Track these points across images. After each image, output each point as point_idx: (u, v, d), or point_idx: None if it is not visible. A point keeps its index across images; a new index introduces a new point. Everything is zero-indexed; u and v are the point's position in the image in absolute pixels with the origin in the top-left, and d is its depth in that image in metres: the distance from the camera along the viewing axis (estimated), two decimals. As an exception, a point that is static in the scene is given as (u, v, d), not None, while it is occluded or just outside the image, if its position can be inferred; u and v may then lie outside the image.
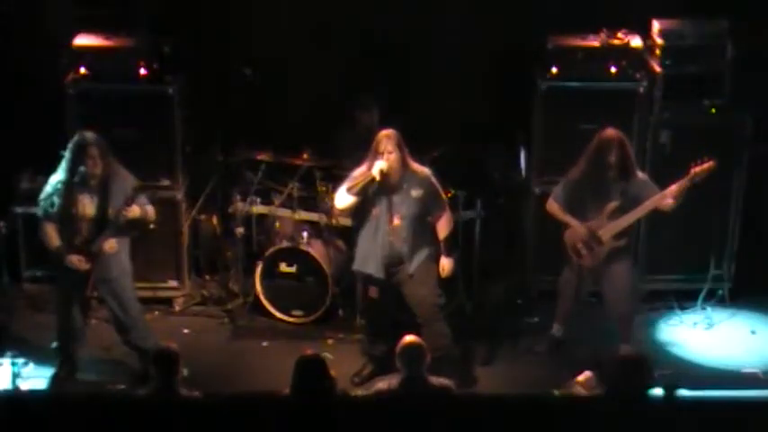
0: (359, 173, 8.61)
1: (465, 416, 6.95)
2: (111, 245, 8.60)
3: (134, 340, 8.88)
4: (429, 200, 8.68)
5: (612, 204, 8.78)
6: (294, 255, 9.69)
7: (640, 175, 8.87)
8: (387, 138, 8.54)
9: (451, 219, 8.83)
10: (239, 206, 9.78)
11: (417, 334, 7.75)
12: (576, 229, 8.88)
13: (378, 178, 8.49)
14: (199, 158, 10.07)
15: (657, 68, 9.60)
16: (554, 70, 9.58)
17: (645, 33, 9.70)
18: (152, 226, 8.90)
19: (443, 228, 8.77)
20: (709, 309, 9.83)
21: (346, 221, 9.45)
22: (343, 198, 8.69)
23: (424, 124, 9.92)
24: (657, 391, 7.25)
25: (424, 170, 8.73)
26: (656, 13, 9.72)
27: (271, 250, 9.69)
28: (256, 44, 10.24)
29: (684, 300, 9.94)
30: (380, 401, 7.25)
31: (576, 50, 9.60)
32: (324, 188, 9.69)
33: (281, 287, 9.75)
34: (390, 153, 8.50)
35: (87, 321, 8.97)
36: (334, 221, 9.64)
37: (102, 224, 8.55)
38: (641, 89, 9.55)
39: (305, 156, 9.77)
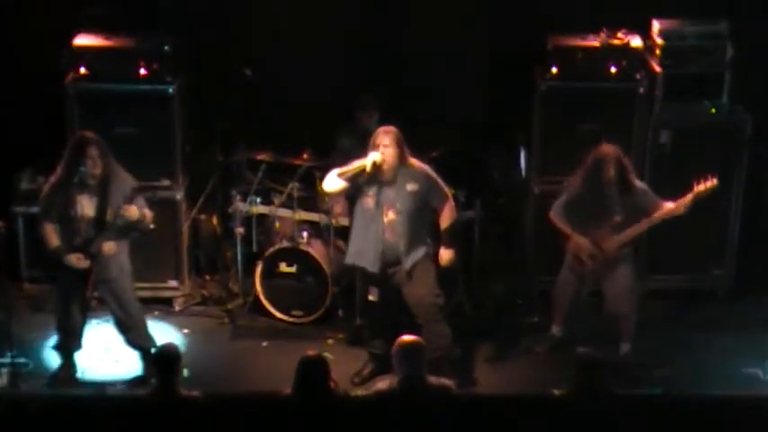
0: (354, 163, 8.62)
1: (465, 416, 6.96)
2: (110, 246, 8.60)
3: (134, 340, 8.89)
4: (428, 193, 8.66)
5: (615, 219, 8.79)
6: (294, 255, 9.68)
7: (639, 184, 8.87)
8: (384, 133, 8.56)
9: (454, 210, 8.82)
10: (239, 206, 9.77)
11: (417, 334, 7.73)
12: (580, 242, 8.89)
13: (368, 169, 8.48)
14: (199, 158, 10.07)
15: (657, 68, 9.59)
16: (554, 70, 9.58)
17: (645, 33, 9.70)
18: (152, 226, 8.89)
19: (446, 218, 8.76)
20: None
21: (346, 221, 9.45)
22: (332, 181, 8.65)
23: (424, 124, 9.92)
24: (657, 391, 7.26)
25: (422, 165, 8.73)
26: (656, 13, 9.72)
27: (271, 250, 9.69)
28: (256, 44, 10.24)
29: (684, 300, 9.94)
30: (380, 401, 7.25)
31: (575, 50, 9.60)
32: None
33: (281, 287, 9.75)
34: (387, 147, 8.51)
35: (87, 321, 8.95)
36: (334, 221, 9.64)
37: (101, 225, 8.55)
38: (641, 89, 9.55)
39: (305, 156, 9.78)
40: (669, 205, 8.77)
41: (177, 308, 9.96)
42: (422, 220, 8.75)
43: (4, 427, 6.73)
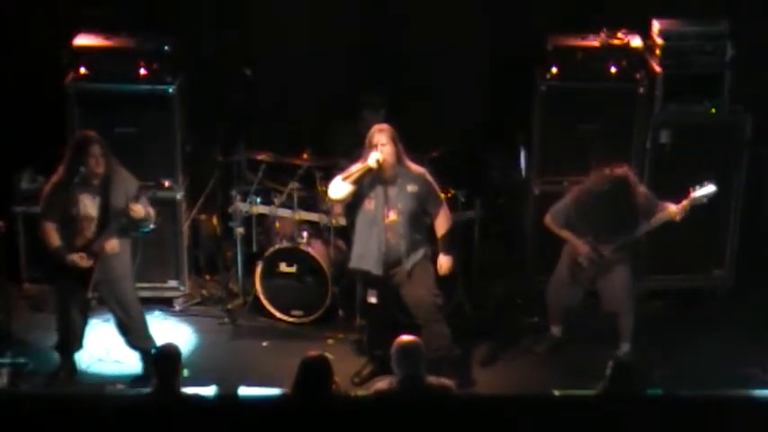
0: (355, 166, 8.62)
1: (465, 416, 6.95)
2: (112, 245, 8.60)
3: (135, 341, 8.89)
4: (425, 196, 8.67)
5: (611, 246, 8.81)
6: (294, 255, 9.68)
7: (641, 189, 8.85)
8: (380, 131, 8.56)
9: (449, 216, 8.83)
10: (239, 206, 9.77)
11: (417, 335, 7.74)
12: (577, 245, 8.89)
13: (374, 166, 8.48)
14: (199, 158, 10.07)
15: (657, 68, 9.59)
16: (554, 70, 9.58)
17: (645, 33, 9.70)
18: (152, 226, 8.89)
19: (442, 224, 8.77)
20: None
21: (345, 222, 9.45)
22: (338, 187, 8.65)
23: (424, 124, 9.93)
24: (657, 391, 7.26)
25: (419, 168, 8.74)
26: (656, 13, 9.72)
27: (271, 250, 9.69)
28: (256, 44, 10.24)
29: (684, 300, 9.94)
30: (380, 401, 7.25)
31: (575, 50, 9.60)
32: (324, 188, 9.67)
33: (281, 287, 9.75)
34: (384, 145, 8.52)
35: (87, 322, 8.95)
36: (334, 221, 9.64)
37: (103, 224, 8.55)
38: (641, 89, 9.55)
39: (305, 156, 9.77)
40: (666, 210, 8.75)
41: (177, 308, 9.96)
42: (421, 222, 8.75)
43: (5, 427, 6.72)
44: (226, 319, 9.83)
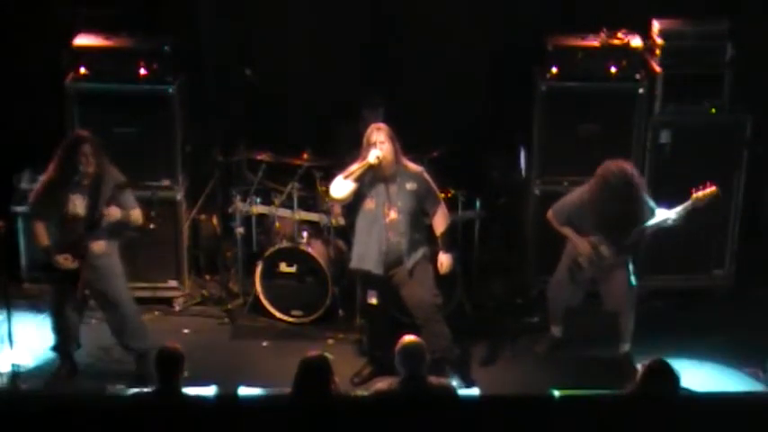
0: (355, 165, 8.62)
1: (465, 416, 6.95)
2: (99, 245, 8.57)
3: (128, 342, 8.84)
4: (424, 194, 8.67)
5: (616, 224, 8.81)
6: (294, 255, 9.69)
7: (643, 192, 8.83)
8: (378, 130, 8.57)
9: (447, 214, 8.83)
10: (239, 206, 9.78)
11: (417, 335, 7.73)
12: (578, 243, 8.88)
13: (375, 163, 8.48)
14: (199, 158, 10.07)
15: (657, 68, 9.59)
16: (554, 70, 9.58)
17: (645, 33, 9.70)
18: (152, 226, 8.88)
19: (440, 223, 8.77)
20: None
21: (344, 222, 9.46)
22: (340, 186, 8.63)
23: (425, 124, 9.93)
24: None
25: (417, 166, 8.75)
26: (656, 13, 9.72)
27: (271, 250, 9.69)
28: (256, 44, 10.24)
29: (684, 300, 9.95)
30: (380, 401, 7.25)
31: (575, 50, 9.60)
32: (324, 188, 9.68)
33: (281, 287, 9.75)
34: (383, 143, 8.52)
35: (82, 321, 8.93)
36: (334, 221, 9.64)
37: (92, 224, 8.52)
38: (641, 89, 9.55)
39: (305, 156, 9.77)
40: (668, 212, 8.75)
41: (177, 308, 9.96)
42: (420, 221, 8.76)
43: (4, 427, 6.72)
44: (226, 319, 9.83)
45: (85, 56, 9.53)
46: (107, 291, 8.70)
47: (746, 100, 9.70)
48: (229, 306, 9.92)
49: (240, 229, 9.78)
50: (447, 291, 9.19)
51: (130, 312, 8.85)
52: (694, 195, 8.68)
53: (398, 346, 7.37)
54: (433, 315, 8.80)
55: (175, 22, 9.97)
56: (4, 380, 8.71)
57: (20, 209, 9.75)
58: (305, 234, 9.75)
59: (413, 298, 8.77)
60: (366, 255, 8.68)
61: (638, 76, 9.56)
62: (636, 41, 9.59)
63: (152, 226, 8.87)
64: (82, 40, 9.58)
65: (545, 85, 9.59)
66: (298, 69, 10.21)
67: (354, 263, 8.79)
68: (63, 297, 8.70)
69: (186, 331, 9.65)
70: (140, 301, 9.12)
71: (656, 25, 9.68)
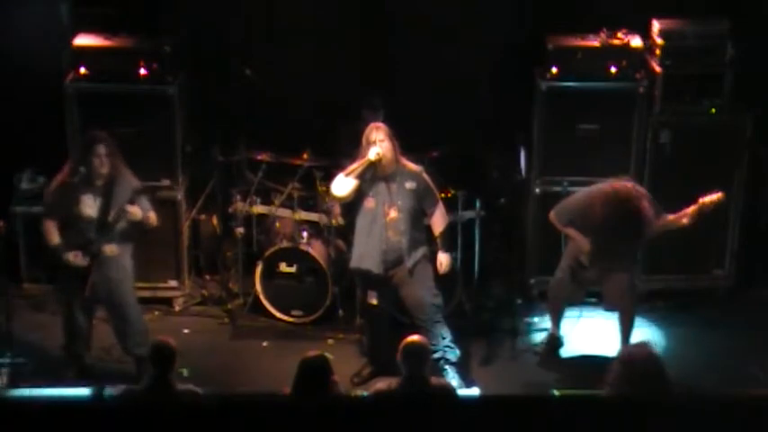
0: (355, 163, 8.63)
1: (465, 416, 6.96)
2: (111, 248, 8.58)
3: (131, 347, 8.83)
4: (422, 193, 8.69)
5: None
6: (294, 255, 9.69)
7: (646, 204, 8.80)
8: (377, 129, 8.60)
9: (446, 214, 8.84)
10: (239, 206, 9.78)
11: (418, 335, 7.73)
12: (580, 242, 8.87)
13: (375, 159, 8.48)
14: (199, 158, 10.07)
15: (657, 68, 9.59)
16: (554, 70, 9.58)
17: (645, 33, 9.70)
18: (154, 225, 8.87)
19: (439, 222, 8.78)
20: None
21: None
22: (342, 183, 8.63)
23: (425, 124, 9.93)
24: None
25: (416, 166, 8.76)
26: (656, 13, 9.72)
27: (271, 250, 9.69)
28: (256, 44, 10.24)
29: (684, 300, 9.95)
30: (380, 402, 7.25)
31: (576, 50, 9.60)
32: (324, 188, 9.69)
33: (281, 287, 9.75)
34: (383, 141, 8.53)
35: (92, 322, 8.93)
36: (334, 221, 9.64)
37: (102, 226, 8.53)
38: (641, 89, 9.55)
39: (305, 156, 9.78)
40: (673, 218, 8.73)
41: (177, 308, 9.96)
42: (420, 220, 8.77)
43: (4, 427, 6.72)
44: (226, 319, 9.84)
45: (85, 56, 9.53)
46: (115, 293, 8.70)
47: (746, 100, 9.70)
48: (229, 306, 9.93)
49: (240, 229, 9.78)
50: (447, 291, 9.19)
51: (135, 317, 8.84)
52: (701, 201, 8.65)
53: (402, 344, 7.38)
54: (434, 315, 8.80)
55: (175, 22, 9.97)
56: (5, 380, 8.71)
57: (20, 209, 9.75)
58: (305, 234, 9.76)
59: (413, 298, 8.77)
60: (366, 254, 8.69)
61: (638, 76, 9.56)
62: (636, 41, 9.60)
63: (154, 225, 8.85)
64: (82, 40, 9.59)
65: (545, 85, 9.59)
66: (298, 69, 10.20)
67: (354, 262, 8.79)
68: (71, 298, 8.69)
69: (186, 331, 9.66)
70: (140, 301, 9.12)
71: (656, 25, 9.68)
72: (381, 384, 7.51)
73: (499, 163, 10.33)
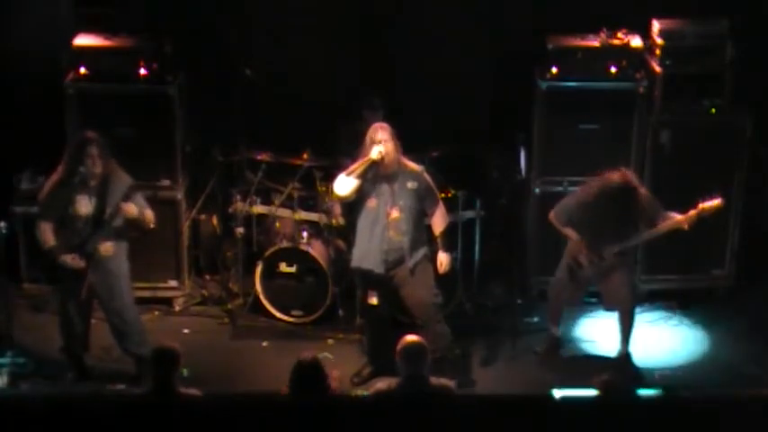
0: (357, 163, 8.63)
1: (465, 416, 6.96)
2: (106, 247, 8.57)
3: (130, 347, 8.82)
4: (423, 194, 8.69)
5: (615, 248, 8.80)
6: (294, 255, 9.69)
7: (644, 192, 8.84)
8: (381, 128, 8.60)
9: (446, 214, 8.84)
10: (239, 206, 9.78)
11: (417, 335, 7.73)
12: (580, 243, 8.88)
13: (377, 158, 8.48)
14: (199, 158, 10.07)
15: (657, 68, 9.59)
16: (554, 70, 9.58)
17: (645, 33, 9.70)
18: (152, 226, 8.88)
19: (439, 222, 8.78)
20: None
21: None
22: (344, 183, 8.61)
23: (425, 124, 9.93)
24: (657, 391, 7.25)
25: (417, 166, 8.77)
26: (656, 13, 9.72)
27: (271, 250, 9.69)
28: (256, 44, 10.24)
29: (684, 300, 9.95)
30: (380, 401, 7.25)
31: (575, 50, 9.60)
32: (324, 188, 9.69)
33: (281, 287, 9.75)
34: (386, 141, 8.53)
35: (89, 323, 8.93)
36: (334, 221, 9.64)
37: (98, 224, 8.53)
38: (641, 89, 9.55)
39: (305, 156, 9.78)
40: (673, 219, 8.72)
41: (177, 308, 9.96)
42: (421, 220, 8.77)
43: (4, 427, 6.72)
44: (226, 319, 9.84)
45: (85, 56, 9.53)
46: (112, 293, 8.69)
47: (746, 100, 9.69)
48: (229, 306, 9.93)
49: (240, 229, 9.78)
50: (447, 291, 9.19)
51: (133, 316, 8.84)
52: (701, 206, 8.64)
53: (400, 345, 7.38)
54: (434, 315, 8.80)
55: (175, 22, 9.97)
56: (5, 380, 8.70)
57: (20, 209, 9.75)
58: (305, 234, 9.75)
59: (413, 298, 8.78)
60: (367, 254, 8.69)
61: (638, 76, 9.56)
62: (636, 41, 9.60)
63: (151, 225, 8.85)
64: (82, 40, 9.59)
65: (545, 84, 9.59)
66: (298, 69, 10.20)
67: (356, 262, 8.79)
68: (68, 299, 8.69)
69: (186, 331, 9.66)
70: (140, 301, 9.13)
71: (656, 25, 9.68)
72: (381, 384, 7.50)
73: (499, 163, 10.33)
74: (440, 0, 10.20)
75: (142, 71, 9.52)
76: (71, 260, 8.51)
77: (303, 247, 9.66)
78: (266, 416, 6.97)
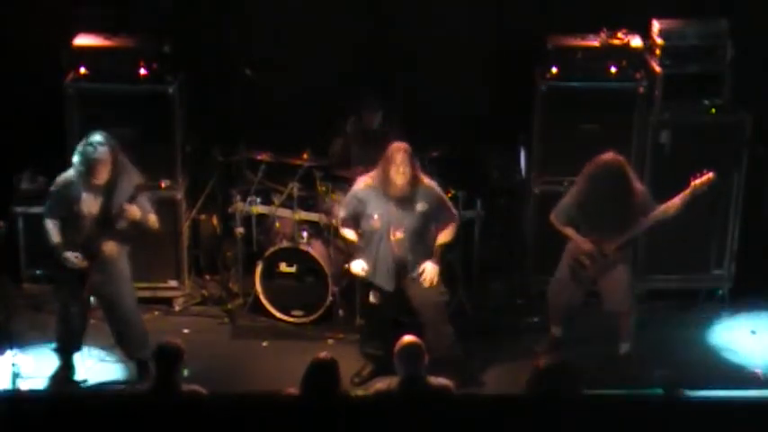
0: (360, 181, 8.68)
1: (465, 416, 6.96)
2: (110, 248, 8.57)
3: (131, 350, 8.83)
4: (435, 213, 8.69)
5: (614, 238, 8.79)
6: (294, 255, 9.69)
7: (639, 186, 8.84)
8: (401, 151, 8.48)
9: (455, 232, 8.83)
10: (239, 206, 9.78)
11: (419, 335, 7.74)
12: (580, 242, 8.88)
13: (355, 274, 8.75)
14: (199, 158, 10.07)
15: (657, 68, 9.59)
16: (554, 70, 9.58)
17: (645, 33, 9.70)
18: (155, 229, 8.86)
19: (446, 236, 8.79)
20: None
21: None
22: (360, 264, 8.76)
23: (424, 124, 9.93)
24: (657, 391, 7.24)
25: (431, 183, 8.75)
26: (656, 13, 9.72)
27: (271, 250, 9.69)
28: (256, 44, 10.24)
29: (684, 300, 9.95)
30: (380, 401, 7.25)
31: (576, 50, 9.60)
32: (324, 188, 9.70)
33: (281, 287, 9.75)
34: (403, 166, 8.45)
35: (86, 323, 8.92)
36: (334, 221, 9.64)
37: (104, 224, 8.53)
38: (641, 89, 9.55)
39: (305, 156, 9.78)
40: (669, 202, 8.74)
41: (177, 308, 9.96)
42: (428, 235, 8.77)
43: (5, 427, 6.72)
44: (226, 319, 9.84)
45: (85, 56, 9.53)
46: (114, 294, 8.69)
47: (746, 100, 9.70)
48: (229, 306, 9.93)
49: (240, 229, 9.78)
50: (447, 291, 9.18)
51: (134, 319, 8.84)
52: (693, 183, 8.67)
53: (397, 346, 7.38)
54: (439, 315, 8.82)
55: (175, 22, 9.97)
56: (6, 380, 8.70)
57: (20, 209, 9.76)
58: (305, 234, 9.75)
59: (420, 298, 8.79)
60: (376, 271, 8.72)
61: (638, 76, 9.56)
62: (636, 41, 9.60)
63: (155, 229, 8.84)
64: (82, 40, 9.59)
65: (545, 84, 9.59)
66: (298, 69, 10.20)
67: (371, 276, 8.78)
68: (68, 298, 8.68)
69: (186, 331, 9.65)
70: (140, 301, 9.12)
71: (656, 25, 9.68)
72: (381, 384, 7.50)
73: (499, 163, 10.34)
74: (440, 0, 10.20)
75: (142, 71, 9.52)
76: (74, 258, 8.51)
77: (303, 247, 9.66)
78: (267, 415, 6.97)
